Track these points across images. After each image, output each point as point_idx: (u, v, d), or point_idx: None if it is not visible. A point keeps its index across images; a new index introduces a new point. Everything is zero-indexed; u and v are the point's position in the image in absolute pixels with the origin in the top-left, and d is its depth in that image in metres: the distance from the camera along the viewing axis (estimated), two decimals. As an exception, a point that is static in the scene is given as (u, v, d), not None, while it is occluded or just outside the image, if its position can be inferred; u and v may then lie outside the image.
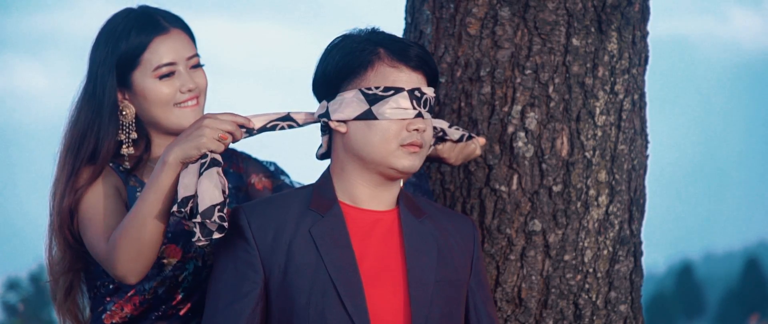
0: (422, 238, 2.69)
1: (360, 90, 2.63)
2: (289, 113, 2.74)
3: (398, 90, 2.63)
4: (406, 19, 3.38)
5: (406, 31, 3.37)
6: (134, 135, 2.95)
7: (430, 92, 2.67)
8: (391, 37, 2.69)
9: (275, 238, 2.61)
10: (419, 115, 2.64)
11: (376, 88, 2.62)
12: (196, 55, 3.00)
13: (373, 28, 2.71)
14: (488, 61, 3.16)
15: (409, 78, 2.65)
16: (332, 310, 2.58)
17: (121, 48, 2.91)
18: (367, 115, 2.63)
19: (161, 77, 2.93)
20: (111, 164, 2.94)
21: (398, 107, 2.62)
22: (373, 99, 2.62)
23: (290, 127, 2.75)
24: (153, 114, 2.94)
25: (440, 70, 3.21)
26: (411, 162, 2.65)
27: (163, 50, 2.93)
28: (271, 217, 2.63)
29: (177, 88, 2.93)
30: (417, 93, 2.64)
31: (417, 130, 2.64)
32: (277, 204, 2.67)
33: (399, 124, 2.63)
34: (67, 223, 2.88)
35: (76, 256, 2.93)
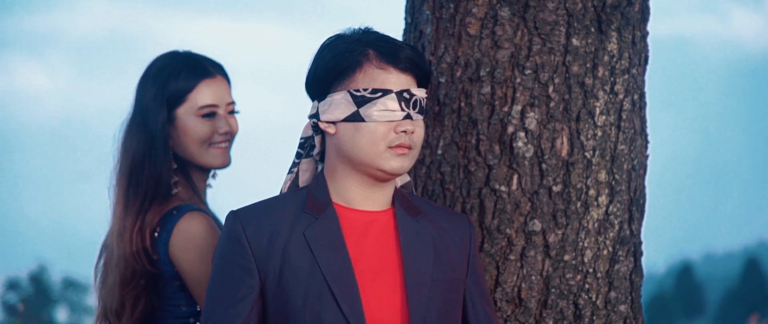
0: (418, 237, 2.69)
1: (348, 91, 2.62)
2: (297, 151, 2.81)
3: (386, 92, 2.61)
4: (406, 19, 3.38)
5: (406, 31, 3.37)
6: (174, 165, 3.23)
7: (420, 93, 2.66)
8: (383, 38, 2.67)
9: (270, 242, 2.61)
10: (408, 116, 2.63)
11: (364, 90, 2.61)
12: (234, 102, 3.31)
13: (365, 29, 2.70)
14: (488, 61, 3.16)
15: (397, 79, 2.63)
16: (328, 312, 2.57)
17: (171, 85, 3.21)
18: (355, 117, 2.62)
19: (203, 116, 3.23)
20: (207, 213, 3.22)
21: (386, 109, 2.61)
22: (360, 101, 2.61)
23: (307, 150, 2.80)
24: (189, 149, 3.23)
25: (440, 70, 3.21)
26: (399, 163, 2.63)
27: (209, 92, 3.24)
28: (266, 222, 2.63)
29: (215, 129, 3.24)
30: (405, 94, 2.63)
31: (405, 131, 2.63)
32: (271, 207, 2.67)
33: (387, 125, 2.62)
34: (142, 257, 3.14)
35: (152, 281, 3.18)
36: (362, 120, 2.61)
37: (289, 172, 2.79)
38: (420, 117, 2.66)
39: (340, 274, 2.59)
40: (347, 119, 2.62)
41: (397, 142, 2.62)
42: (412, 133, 2.64)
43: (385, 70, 2.62)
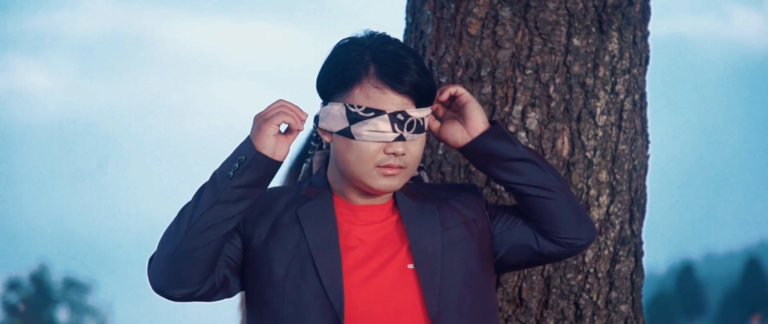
0: (421, 213, 2.65)
1: (344, 105, 2.59)
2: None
3: (379, 112, 2.56)
4: (406, 19, 3.38)
5: (406, 31, 3.37)
6: None
7: (417, 114, 2.59)
8: (390, 55, 2.60)
9: (262, 214, 2.63)
10: (400, 137, 2.57)
11: (359, 107, 2.57)
12: None
13: (380, 36, 2.64)
14: (489, 61, 3.16)
15: (393, 101, 2.57)
16: (308, 284, 2.57)
17: None
18: (346, 133, 2.59)
19: None
20: None
21: (376, 130, 2.56)
22: (353, 118, 2.57)
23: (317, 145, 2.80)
24: None
25: (441, 70, 3.21)
26: (388, 183, 2.60)
27: None
28: (262, 200, 2.65)
29: None
30: (399, 116, 2.57)
31: (394, 153, 2.58)
32: (270, 192, 2.69)
33: (377, 145, 2.57)
34: None
35: None
36: (352, 137, 2.58)
37: (304, 162, 2.81)
38: (416, 136, 2.60)
39: (325, 248, 2.58)
40: (339, 133, 2.60)
41: (385, 162, 2.58)
42: (402, 155, 2.58)
43: (380, 90, 2.57)
